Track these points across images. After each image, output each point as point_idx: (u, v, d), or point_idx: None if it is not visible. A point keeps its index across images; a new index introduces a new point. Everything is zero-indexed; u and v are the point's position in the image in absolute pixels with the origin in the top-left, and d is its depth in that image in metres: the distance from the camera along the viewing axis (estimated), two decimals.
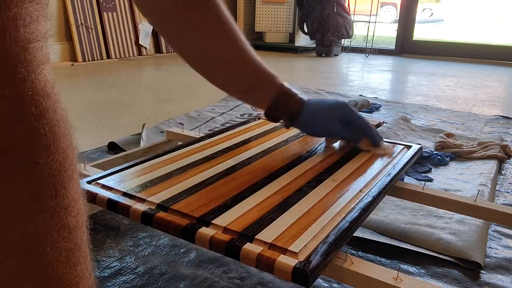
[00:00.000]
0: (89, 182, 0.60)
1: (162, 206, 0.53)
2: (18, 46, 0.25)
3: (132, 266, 0.65)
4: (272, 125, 0.91)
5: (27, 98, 0.26)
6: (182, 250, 0.69)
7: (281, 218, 0.51)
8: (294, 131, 0.87)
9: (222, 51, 0.64)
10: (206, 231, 0.48)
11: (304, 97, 0.70)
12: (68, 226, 0.29)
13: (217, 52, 0.64)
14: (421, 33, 4.43)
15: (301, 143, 0.80)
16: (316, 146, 0.78)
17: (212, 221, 0.49)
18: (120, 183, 0.59)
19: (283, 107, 0.68)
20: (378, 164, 0.70)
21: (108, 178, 0.61)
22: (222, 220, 0.50)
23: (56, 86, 0.28)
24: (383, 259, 0.69)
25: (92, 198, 0.57)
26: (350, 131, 0.73)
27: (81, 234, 0.31)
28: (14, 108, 0.25)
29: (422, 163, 1.08)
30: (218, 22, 0.62)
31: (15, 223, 0.26)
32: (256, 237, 0.46)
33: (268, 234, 0.47)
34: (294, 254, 0.44)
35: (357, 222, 0.52)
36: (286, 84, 0.69)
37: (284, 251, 0.45)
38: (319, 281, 0.62)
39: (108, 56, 2.69)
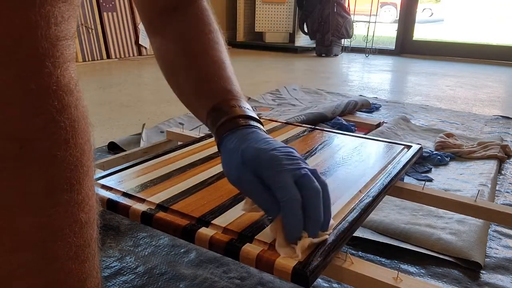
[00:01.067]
0: None
1: (162, 206, 0.53)
2: (48, 42, 0.26)
3: (132, 266, 0.65)
4: (273, 125, 0.91)
5: (51, 92, 0.26)
6: (182, 250, 0.69)
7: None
8: (294, 131, 0.87)
9: (183, 63, 0.54)
10: (205, 231, 0.48)
11: (244, 123, 0.48)
12: (80, 221, 0.30)
13: (178, 62, 0.54)
14: (421, 33, 4.43)
15: (301, 143, 0.80)
16: (316, 146, 0.78)
17: (211, 221, 0.49)
18: (120, 183, 0.59)
19: (212, 123, 0.50)
20: (378, 164, 0.70)
21: (108, 178, 0.61)
22: (222, 220, 0.50)
23: (79, 84, 0.29)
24: (383, 259, 0.69)
25: None
26: (268, 199, 0.44)
27: (92, 231, 0.31)
28: (38, 101, 0.26)
29: (422, 163, 1.08)
30: (190, 36, 0.54)
31: (28, 214, 0.27)
32: (255, 237, 0.46)
33: (268, 234, 0.47)
34: None
35: (357, 222, 0.52)
36: (236, 103, 0.49)
37: None
38: (319, 281, 0.62)
39: (108, 56, 2.69)
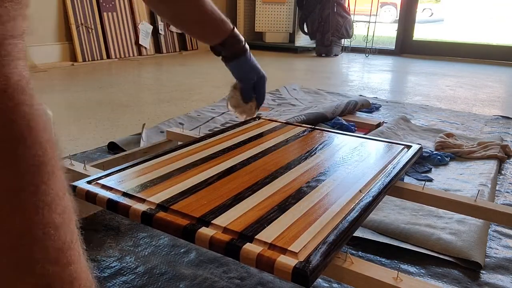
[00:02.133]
0: (89, 182, 0.60)
1: (161, 206, 0.53)
2: None
3: (132, 266, 0.65)
4: (273, 125, 0.91)
5: (1, 91, 0.26)
6: (182, 250, 0.69)
7: (281, 218, 0.51)
8: (294, 131, 0.87)
9: (188, 13, 0.82)
10: (206, 231, 0.48)
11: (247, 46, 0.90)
12: (54, 223, 0.29)
13: (185, 13, 0.82)
14: (421, 33, 4.43)
15: (301, 143, 0.80)
16: (316, 146, 0.78)
17: (212, 221, 0.49)
18: (120, 183, 0.59)
19: (231, 46, 0.87)
20: (378, 164, 0.70)
21: (108, 178, 0.61)
22: (222, 220, 0.50)
23: (31, 83, 0.29)
24: (383, 259, 0.69)
25: (92, 198, 0.57)
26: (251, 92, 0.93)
27: (70, 232, 0.31)
28: None
29: (422, 163, 1.08)
30: None
31: None
32: (256, 237, 0.46)
33: (268, 234, 0.47)
34: (294, 254, 0.44)
35: (357, 222, 0.52)
36: (236, 30, 0.89)
37: (284, 251, 0.45)
38: (319, 281, 0.62)
39: (108, 56, 2.69)
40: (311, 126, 0.92)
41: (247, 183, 0.60)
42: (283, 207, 0.54)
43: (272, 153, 0.73)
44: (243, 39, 0.89)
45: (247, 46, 0.90)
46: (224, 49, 0.88)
